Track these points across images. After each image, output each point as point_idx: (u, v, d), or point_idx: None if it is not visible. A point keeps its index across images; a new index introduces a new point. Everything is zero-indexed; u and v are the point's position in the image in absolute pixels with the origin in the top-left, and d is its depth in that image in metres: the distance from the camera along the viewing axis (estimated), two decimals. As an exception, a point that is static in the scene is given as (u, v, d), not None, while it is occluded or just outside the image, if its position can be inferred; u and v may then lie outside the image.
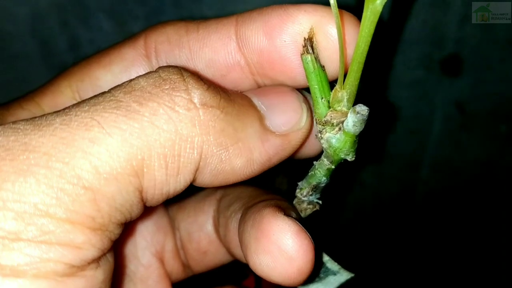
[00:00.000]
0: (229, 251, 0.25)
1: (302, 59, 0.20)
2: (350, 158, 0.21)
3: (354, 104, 0.20)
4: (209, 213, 0.26)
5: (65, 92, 0.23)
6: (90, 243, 0.17)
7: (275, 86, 0.22)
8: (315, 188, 0.23)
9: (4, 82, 0.35)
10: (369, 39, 0.18)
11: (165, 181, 0.18)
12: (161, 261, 0.27)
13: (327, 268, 0.25)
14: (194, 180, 0.19)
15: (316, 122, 0.21)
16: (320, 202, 0.24)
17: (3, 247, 0.15)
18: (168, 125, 0.17)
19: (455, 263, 0.50)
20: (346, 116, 0.20)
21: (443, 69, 0.37)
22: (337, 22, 0.18)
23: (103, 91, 0.19)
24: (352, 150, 0.21)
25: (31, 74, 0.35)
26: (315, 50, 0.20)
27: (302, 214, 0.24)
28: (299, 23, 0.20)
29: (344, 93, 0.20)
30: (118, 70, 0.23)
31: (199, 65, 0.22)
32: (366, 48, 0.18)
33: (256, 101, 0.21)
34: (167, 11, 0.33)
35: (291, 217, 0.20)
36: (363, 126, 0.20)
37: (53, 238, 0.16)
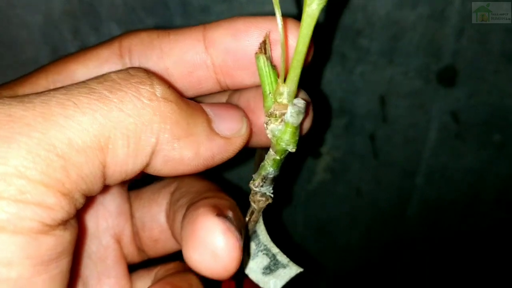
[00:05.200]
0: (177, 241, 0.28)
1: (255, 58, 0.23)
2: (291, 148, 0.24)
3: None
4: (162, 205, 0.29)
5: (42, 83, 0.26)
6: (60, 205, 0.19)
7: (223, 103, 0.26)
8: (264, 179, 0.26)
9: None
10: (308, 40, 0.21)
11: (125, 160, 0.21)
12: (119, 243, 0.29)
13: (277, 260, 0.27)
14: (148, 164, 0.22)
15: (265, 115, 0.24)
16: (272, 195, 0.26)
17: None
18: (132, 111, 0.20)
19: (451, 267, 0.51)
20: (287, 109, 0.23)
21: (440, 79, 0.39)
22: (280, 27, 0.22)
23: None
24: (293, 141, 0.24)
25: (42, 80, 0.36)
26: (267, 52, 0.23)
27: (256, 206, 0.27)
28: (261, 28, 0.24)
29: (285, 87, 0.23)
30: (93, 66, 0.26)
31: (168, 62, 0.25)
32: (305, 49, 0.21)
33: (206, 108, 0.24)
34: (176, 20, 0.34)
35: (225, 216, 0.23)
36: (300, 118, 0.23)
37: (30, 197, 0.18)
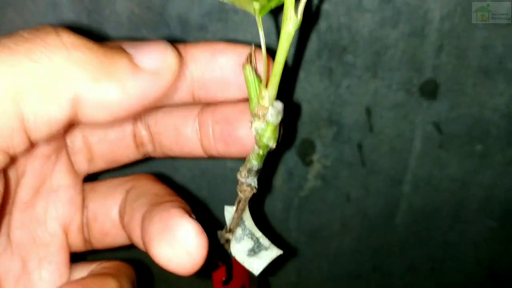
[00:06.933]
0: (129, 237, 0.28)
1: (243, 67, 0.27)
2: (271, 144, 0.28)
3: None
4: (117, 200, 0.30)
5: None
6: None
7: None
8: (249, 171, 0.29)
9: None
10: (285, 53, 0.25)
11: (43, 108, 0.21)
12: (66, 233, 0.30)
13: (260, 243, 0.31)
14: (76, 112, 0.22)
15: (250, 115, 0.28)
16: (257, 186, 0.30)
17: None
18: (42, 59, 0.21)
19: (439, 272, 0.53)
20: (268, 110, 0.27)
21: (422, 92, 0.41)
22: (263, 44, 0.26)
23: None
24: (273, 137, 0.28)
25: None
26: (253, 62, 0.27)
27: (243, 196, 0.30)
28: (235, 51, 0.28)
29: (266, 92, 0.26)
30: None
31: None
32: (283, 61, 0.25)
33: (125, 46, 0.24)
34: (175, 37, 0.37)
35: (193, 218, 0.24)
36: (279, 118, 0.27)
37: None
